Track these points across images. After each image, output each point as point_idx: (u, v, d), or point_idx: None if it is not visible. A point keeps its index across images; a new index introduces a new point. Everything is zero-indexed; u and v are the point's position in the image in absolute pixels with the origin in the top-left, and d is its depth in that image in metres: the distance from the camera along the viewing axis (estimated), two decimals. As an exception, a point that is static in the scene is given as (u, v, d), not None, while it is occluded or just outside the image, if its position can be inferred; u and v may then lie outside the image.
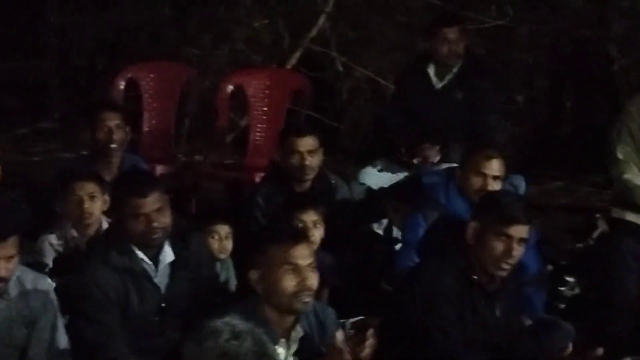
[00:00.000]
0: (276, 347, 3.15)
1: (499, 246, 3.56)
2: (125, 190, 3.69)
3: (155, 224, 3.61)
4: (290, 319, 3.20)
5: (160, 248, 3.71)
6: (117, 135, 4.82)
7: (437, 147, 5.30)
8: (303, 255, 3.17)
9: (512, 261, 3.58)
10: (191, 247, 3.81)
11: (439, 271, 3.61)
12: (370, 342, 2.99)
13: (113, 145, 4.80)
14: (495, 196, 3.84)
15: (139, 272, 3.68)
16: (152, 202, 3.62)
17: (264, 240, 3.26)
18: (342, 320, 3.39)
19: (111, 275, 3.63)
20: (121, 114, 4.90)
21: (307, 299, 3.16)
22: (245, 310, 3.11)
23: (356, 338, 2.99)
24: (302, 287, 3.14)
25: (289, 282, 3.14)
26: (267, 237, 3.28)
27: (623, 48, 6.80)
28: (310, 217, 4.23)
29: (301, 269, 3.16)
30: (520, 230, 3.57)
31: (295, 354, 3.21)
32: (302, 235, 3.27)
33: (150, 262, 3.70)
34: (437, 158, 5.29)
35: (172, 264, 3.75)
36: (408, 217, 4.53)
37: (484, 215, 3.62)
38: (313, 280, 3.17)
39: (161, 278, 3.73)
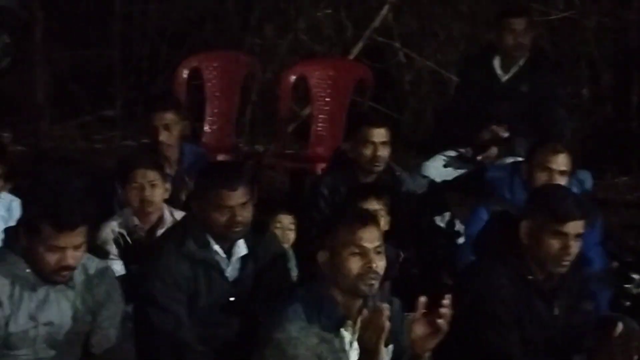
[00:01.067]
0: (342, 330, 3.15)
1: (555, 244, 3.48)
2: (213, 181, 3.67)
3: (239, 218, 3.62)
4: (357, 303, 3.17)
5: (234, 242, 3.71)
6: (168, 134, 4.80)
7: (503, 128, 5.23)
8: (370, 238, 3.15)
9: (570, 258, 3.51)
10: (265, 243, 3.82)
11: (493, 272, 3.54)
12: (445, 310, 2.96)
13: (170, 144, 4.80)
14: (546, 192, 3.73)
15: (212, 264, 3.69)
16: (239, 195, 3.62)
17: (333, 221, 3.24)
18: (406, 314, 3.36)
19: (184, 264, 3.64)
20: (174, 111, 4.87)
21: (373, 282, 3.14)
22: (308, 297, 3.13)
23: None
24: (367, 269, 3.12)
25: (355, 264, 3.13)
26: (336, 219, 3.26)
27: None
28: (372, 206, 4.19)
29: (367, 251, 3.14)
30: (576, 226, 3.48)
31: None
32: (370, 218, 3.24)
33: (224, 255, 3.71)
34: (506, 134, 5.21)
35: (244, 258, 3.75)
36: (472, 211, 4.48)
37: (536, 213, 3.52)
38: (379, 263, 3.14)
39: (232, 271, 3.74)
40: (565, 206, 3.52)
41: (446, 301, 2.96)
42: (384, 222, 4.23)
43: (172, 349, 3.57)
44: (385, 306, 3.00)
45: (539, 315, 3.56)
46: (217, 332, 3.70)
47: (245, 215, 3.64)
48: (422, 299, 3.00)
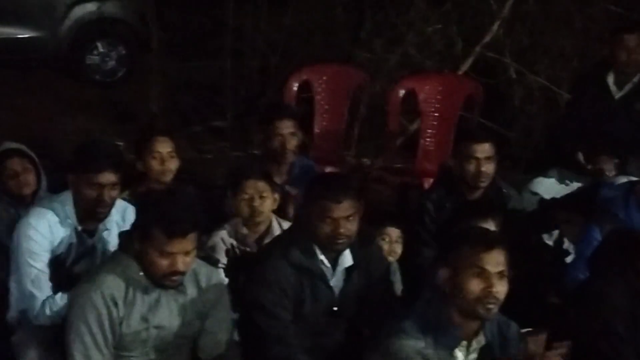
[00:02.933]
0: (456, 350, 3.14)
1: None
2: (320, 192, 3.71)
3: (342, 230, 3.64)
4: (474, 325, 3.17)
5: (340, 253, 3.74)
6: (291, 143, 4.87)
7: (616, 161, 5.13)
8: (494, 262, 3.11)
9: None
10: (370, 255, 3.84)
11: (610, 287, 3.52)
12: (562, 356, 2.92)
13: (287, 153, 4.86)
14: None
15: (317, 273, 3.73)
16: (344, 208, 3.64)
17: (458, 240, 3.21)
18: (523, 330, 3.33)
19: (290, 272, 3.69)
20: (295, 121, 4.95)
21: (492, 306, 3.11)
22: (426, 313, 3.12)
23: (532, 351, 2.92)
24: (487, 293, 3.10)
25: (475, 287, 3.10)
26: (461, 238, 3.23)
27: None
28: (489, 226, 4.15)
29: (490, 275, 3.10)
30: None
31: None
32: (496, 241, 3.19)
33: (329, 265, 3.75)
34: (614, 173, 5.12)
35: (349, 269, 3.77)
36: (584, 230, 4.40)
37: None
38: (500, 288, 3.11)
39: (337, 281, 3.77)
40: None
41: (562, 350, 2.90)
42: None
43: (279, 356, 3.60)
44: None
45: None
46: (320, 342, 3.73)
47: (350, 227, 3.66)
48: (542, 338, 2.94)
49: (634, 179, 4.58)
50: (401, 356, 3.05)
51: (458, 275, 3.12)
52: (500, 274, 3.12)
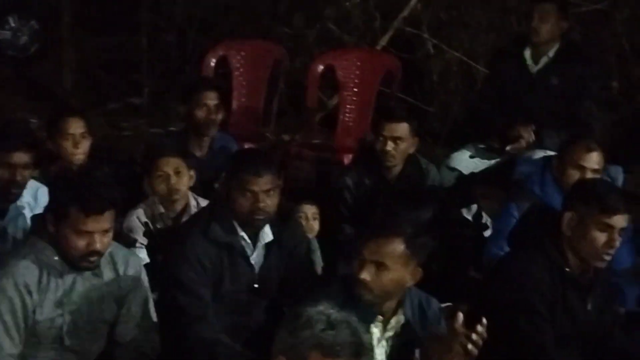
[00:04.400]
0: (372, 326, 3.14)
1: (600, 237, 3.48)
2: (241, 165, 3.69)
3: (262, 205, 3.61)
4: (392, 303, 3.17)
5: (260, 229, 3.71)
6: (216, 115, 4.86)
7: (532, 127, 5.18)
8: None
9: (612, 252, 3.51)
10: (289, 230, 3.82)
11: (530, 262, 3.53)
12: (480, 333, 2.92)
13: (211, 125, 4.83)
14: (592, 186, 3.73)
15: (237, 249, 3.69)
16: (264, 182, 3.62)
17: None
18: (443, 305, 3.35)
19: (209, 248, 3.65)
20: (220, 94, 4.93)
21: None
22: (339, 294, 3.10)
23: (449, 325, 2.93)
24: None
25: None
26: None
27: None
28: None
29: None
30: (621, 220, 3.49)
31: (394, 340, 3.18)
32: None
33: (249, 241, 3.71)
34: (532, 139, 5.17)
35: (269, 245, 3.75)
36: (501, 206, 4.44)
37: (582, 205, 3.51)
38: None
39: (257, 258, 3.74)
40: (613, 199, 3.52)
41: (480, 328, 2.91)
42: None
43: (199, 335, 3.56)
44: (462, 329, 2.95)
45: (573, 308, 3.55)
46: (240, 321, 3.70)
47: (270, 202, 3.64)
48: (460, 316, 2.94)
49: (551, 153, 4.63)
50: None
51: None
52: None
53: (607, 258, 3.52)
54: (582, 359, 3.53)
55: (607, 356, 3.61)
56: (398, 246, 3.13)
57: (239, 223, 3.67)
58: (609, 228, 3.48)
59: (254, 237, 3.72)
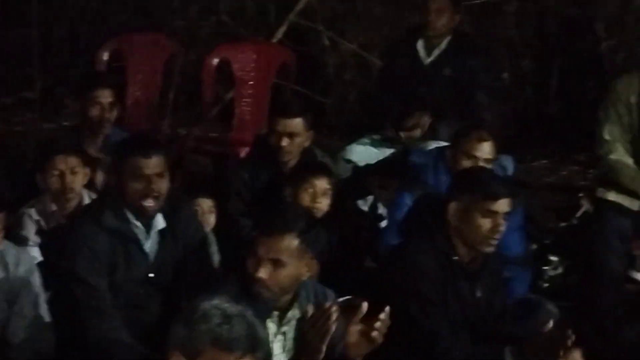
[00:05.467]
0: (268, 320, 3.14)
1: (486, 223, 3.56)
2: (129, 150, 3.66)
3: (154, 187, 3.58)
4: (287, 297, 3.18)
5: (152, 217, 3.69)
6: (110, 113, 4.79)
7: (427, 116, 5.26)
8: None
9: (499, 236, 3.60)
10: (182, 217, 3.80)
11: (419, 252, 3.60)
12: (382, 320, 2.95)
13: (105, 123, 4.77)
14: (474, 174, 3.83)
15: (130, 236, 3.66)
16: (154, 164, 3.60)
17: None
18: (340, 299, 3.37)
19: (102, 237, 3.61)
20: (113, 90, 4.86)
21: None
22: (235, 288, 3.09)
23: (349, 313, 2.95)
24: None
25: None
26: None
27: (610, 28, 6.78)
28: (322, 185, 4.20)
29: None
30: (504, 205, 3.58)
31: (289, 334, 3.19)
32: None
33: (142, 228, 3.69)
34: (427, 124, 5.25)
35: (163, 233, 3.73)
36: (395, 196, 4.51)
37: (466, 194, 3.60)
38: None
39: (151, 246, 3.71)
40: (494, 185, 3.61)
41: (383, 315, 2.93)
42: (328, 202, 4.24)
43: (97, 328, 3.52)
44: (334, 309, 2.96)
45: (463, 296, 3.63)
46: (137, 315, 3.66)
47: (161, 186, 3.61)
48: (365, 305, 2.96)
49: (444, 144, 4.71)
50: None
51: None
52: None
53: (494, 243, 3.61)
54: (473, 345, 3.60)
55: (498, 342, 3.70)
56: (292, 241, 3.14)
57: (131, 210, 3.65)
58: (493, 214, 3.56)
59: (147, 226, 3.70)
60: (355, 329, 2.97)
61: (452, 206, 3.60)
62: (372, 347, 2.98)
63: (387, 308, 2.93)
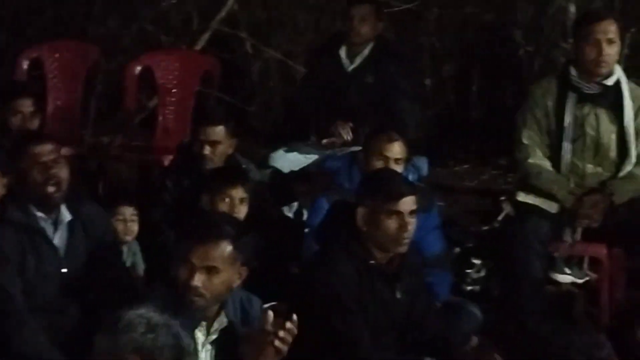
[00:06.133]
0: (196, 331, 3.13)
1: (392, 224, 3.58)
2: (23, 143, 3.78)
3: (53, 171, 3.68)
4: (214, 306, 3.17)
5: (57, 212, 3.73)
6: (32, 122, 4.78)
7: (349, 125, 5.31)
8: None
9: (408, 235, 3.61)
10: (85, 208, 3.84)
11: (336, 258, 3.60)
12: (289, 329, 2.93)
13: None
14: (374, 176, 3.86)
15: (37, 230, 3.68)
16: (48, 151, 3.71)
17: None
18: (266, 305, 3.37)
19: (9, 233, 3.61)
20: (35, 100, 4.84)
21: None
22: (162, 297, 3.07)
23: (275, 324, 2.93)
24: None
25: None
26: None
27: (528, 34, 6.91)
28: (238, 194, 4.20)
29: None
30: (408, 203, 3.60)
31: (217, 343, 3.18)
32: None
33: (48, 220, 3.72)
34: (350, 136, 5.30)
35: (71, 226, 3.75)
36: (312, 202, 4.53)
37: (369, 198, 3.62)
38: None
39: (60, 239, 3.72)
40: (394, 185, 3.64)
41: (289, 324, 2.90)
42: (246, 208, 4.24)
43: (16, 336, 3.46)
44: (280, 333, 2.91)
45: (382, 299, 3.64)
46: (55, 321, 3.61)
47: (59, 172, 3.71)
48: (270, 315, 2.92)
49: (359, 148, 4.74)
50: None
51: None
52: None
53: (406, 242, 3.62)
54: (397, 348, 3.63)
55: (423, 343, 3.74)
56: (226, 248, 3.14)
57: (35, 203, 3.70)
58: (397, 213, 3.58)
59: (55, 219, 3.73)
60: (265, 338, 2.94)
61: (360, 211, 3.63)
62: (279, 357, 2.91)
63: (294, 316, 2.92)
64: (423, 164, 4.79)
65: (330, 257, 3.62)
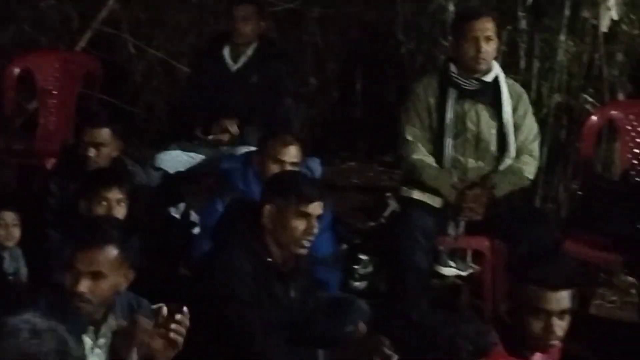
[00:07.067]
0: (84, 335, 3.09)
1: (300, 225, 3.64)
2: None
3: None
4: (101, 311, 3.14)
5: None
6: None
7: (235, 121, 5.31)
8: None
9: (312, 238, 3.68)
10: None
11: (233, 256, 3.63)
12: (180, 325, 2.93)
13: None
14: (287, 178, 3.90)
15: None
16: None
17: None
18: (154, 306, 3.34)
19: None
20: None
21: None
22: (48, 303, 3.03)
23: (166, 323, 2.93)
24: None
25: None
26: None
27: (409, 32, 7.02)
28: (115, 196, 4.14)
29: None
30: (317, 208, 3.68)
31: (107, 346, 3.15)
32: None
33: None
34: (237, 132, 5.29)
35: None
36: (206, 203, 4.52)
37: (279, 197, 3.66)
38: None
39: None
40: (307, 188, 3.69)
41: (179, 316, 2.92)
42: (125, 210, 4.18)
43: None
44: (145, 321, 2.94)
45: (278, 297, 3.68)
46: None
47: None
48: (164, 310, 2.94)
49: (253, 149, 4.76)
50: None
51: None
52: None
53: (307, 245, 3.69)
54: (288, 345, 3.66)
55: (313, 342, 3.78)
56: (111, 252, 3.11)
57: None
58: (306, 216, 3.65)
59: None
60: (158, 333, 2.95)
61: (267, 209, 3.66)
62: (176, 351, 2.94)
63: (185, 309, 2.93)
64: (316, 165, 4.84)
65: (228, 253, 3.64)
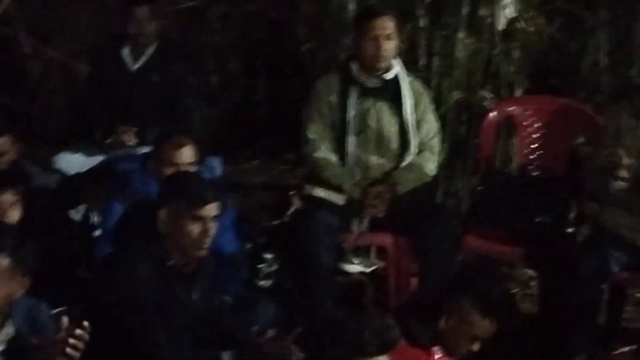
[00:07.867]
0: None
1: (195, 228, 3.60)
2: None
3: None
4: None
5: None
6: None
7: (133, 130, 5.25)
8: None
9: (209, 240, 3.65)
10: None
11: (133, 259, 3.58)
12: (80, 336, 2.86)
13: None
14: (179, 180, 3.85)
15: None
16: None
17: None
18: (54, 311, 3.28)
19: None
20: None
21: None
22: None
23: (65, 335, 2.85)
24: None
25: None
26: None
27: (310, 30, 7.04)
28: (7, 199, 4.04)
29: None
30: (212, 209, 3.64)
31: (3, 354, 3.07)
32: None
33: None
34: (134, 141, 5.24)
35: None
36: (106, 205, 4.45)
37: (173, 200, 3.63)
38: None
39: None
40: (200, 191, 3.65)
41: (78, 331, 2.83)
42: (18, 213, 4.09)
43: None
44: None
45: (179, 300, 3.63)
46: None
47: None
48: (64, 321, 2.86)
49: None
50: None
51: None
52: None
53: (205, 247, 3.65)
54: (193, 347, 3.63)
55: (219, 343, 3.76)
56: (2, 262, 3.02)
57: None
58: (201, 219, 3.61)
59: None
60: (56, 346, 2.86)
61: (162, 213, 3.62)
62: None
63: (85, 323, 2.85)
64: (217, 164, 4.80)
65: (126, 257, 3.59)
